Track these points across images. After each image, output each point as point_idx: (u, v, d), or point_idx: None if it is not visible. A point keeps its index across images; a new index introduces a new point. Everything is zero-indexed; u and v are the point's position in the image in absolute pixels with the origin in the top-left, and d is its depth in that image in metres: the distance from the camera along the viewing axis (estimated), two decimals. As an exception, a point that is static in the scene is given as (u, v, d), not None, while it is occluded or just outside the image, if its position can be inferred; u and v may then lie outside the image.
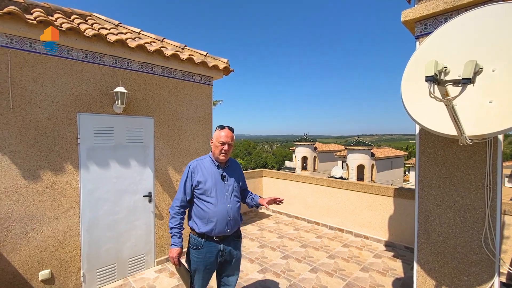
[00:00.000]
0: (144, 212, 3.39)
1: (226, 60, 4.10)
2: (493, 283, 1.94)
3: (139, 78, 3.33)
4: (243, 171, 3.59)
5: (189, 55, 3.64)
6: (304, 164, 28.90)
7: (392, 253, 3.96)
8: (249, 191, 2.30)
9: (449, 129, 1.65)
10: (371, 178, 25.25)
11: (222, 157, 1.99)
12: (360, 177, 24.87)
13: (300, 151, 29.03)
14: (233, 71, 4.23)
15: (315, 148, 29.43)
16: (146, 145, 3.40)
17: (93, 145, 2.94)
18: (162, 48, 3.36)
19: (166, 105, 3.62)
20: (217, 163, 2.05)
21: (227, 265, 2.07)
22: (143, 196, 3.36)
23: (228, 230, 1.97)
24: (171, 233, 1.96)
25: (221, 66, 4.02)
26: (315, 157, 29.33)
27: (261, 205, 2.11)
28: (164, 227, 3.61)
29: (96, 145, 2.95)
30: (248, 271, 3.42)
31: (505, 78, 1.52)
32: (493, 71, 1.57)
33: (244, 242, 4.39)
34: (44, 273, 2.63)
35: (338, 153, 29.69)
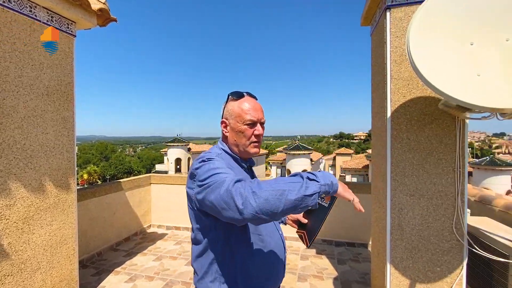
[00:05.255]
0: None
1: (104, -1, 2.51)
2: (462, 267, 1.90)
3: None
4: (106, 182, 2.27)
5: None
6: (178, 167, 27.10)
7: (314, 250, 3.81)
8: None
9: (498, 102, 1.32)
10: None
11: (254, 149, 1.12)
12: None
13: (173, 153, 26.95)
14: (115, 20, 2.68)
15: (189, 149, 28.27)
16: None
17: None
18: None
19: (-42, 48, 1.64)
20: (245, 165, 1.18)
21: None
22: None
23: (283, 277, 1.18)
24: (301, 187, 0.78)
25: (95, 5, 2.40)
26: (189, 158, 28.18)
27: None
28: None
29: None
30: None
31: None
32: (507, 40, 1.39)
33: (139, 284, 2.89)
34: None
35: (212, 153, 29.95)
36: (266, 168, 38.57)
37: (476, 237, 1.93)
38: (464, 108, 1.52)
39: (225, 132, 1.13)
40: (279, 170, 30.52)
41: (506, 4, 1.33)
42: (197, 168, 0.96)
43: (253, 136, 1.09)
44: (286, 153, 26.97)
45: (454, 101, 1.40)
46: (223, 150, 1.13)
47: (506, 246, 1.61)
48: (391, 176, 2.03)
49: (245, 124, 1.07)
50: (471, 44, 1.36)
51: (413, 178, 1.98)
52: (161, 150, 39.22)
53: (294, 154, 24.34)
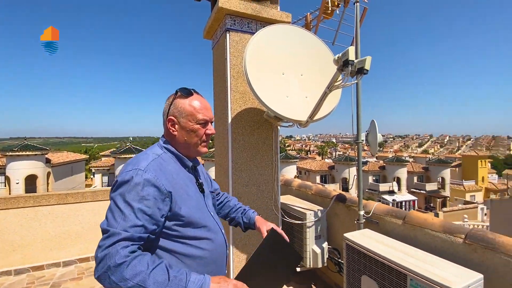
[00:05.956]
0: None
1: None
2: (278, 234, 2.62)
3: None
4: None
5: None
6: None
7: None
8: (224, 193, 1.51)
9: (296, 115, 1.94)
10: (47, 189, 20.96)
11: (204, 148, 1.11)
12: (32, 190, 19.58)
13: None
14: None
15: None
16: None
17: None
18: None
19: None
20: (190, 164, 1.12)
21: None
22: None
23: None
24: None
25: None
26: None
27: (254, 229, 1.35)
28: None
29: None
30: None
31: (309, 81, 2.14)
32: (301, 75, 2.13)
33: None
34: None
35: (-12, 163, 20.27)
36: (87, 177, 31.49)
37: (284, 210, 2.73)
38: (279, 118, 2.13)
39: (173, 130, 1.06)
40: (105, 178, 25.90)
41: (300, 51, 2.02)
42: (122, 181, 0.89)
43: (204, 135, 1.08)
44: (115, 157, 23.52)
45: (274, 113, 1.93)
46: (166, 149, 1.08)
47: (301, 213, 2.43)
48: (232, 171, 2.42)
49: (197, 124, 1.05)
50: (283, 74, 1.95)
51: (247, 172, 2.47)
52: None
53: (125, 158, 21.73)
